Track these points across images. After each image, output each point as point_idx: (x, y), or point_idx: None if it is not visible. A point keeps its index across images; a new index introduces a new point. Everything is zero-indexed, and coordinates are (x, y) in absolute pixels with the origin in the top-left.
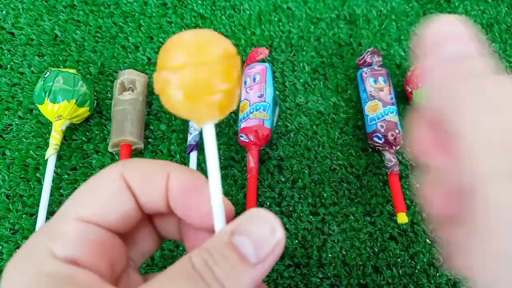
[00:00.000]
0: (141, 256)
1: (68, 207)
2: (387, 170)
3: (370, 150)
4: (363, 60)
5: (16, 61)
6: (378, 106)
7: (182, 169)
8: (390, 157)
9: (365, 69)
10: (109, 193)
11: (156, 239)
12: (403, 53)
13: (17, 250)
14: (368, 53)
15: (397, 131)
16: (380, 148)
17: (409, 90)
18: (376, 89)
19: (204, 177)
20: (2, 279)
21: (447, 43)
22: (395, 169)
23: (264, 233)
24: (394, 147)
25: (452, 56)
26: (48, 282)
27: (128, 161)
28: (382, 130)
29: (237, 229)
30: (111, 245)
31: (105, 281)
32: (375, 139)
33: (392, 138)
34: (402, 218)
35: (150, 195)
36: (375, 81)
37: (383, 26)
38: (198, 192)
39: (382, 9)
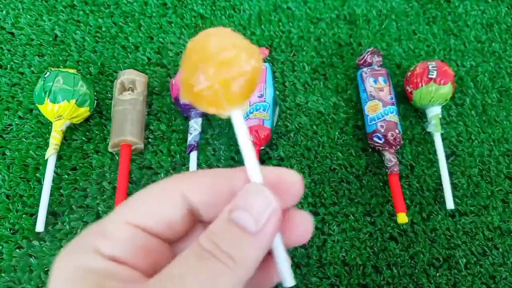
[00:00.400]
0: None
1: (120, 210)
2: (387, 170)
3: (370, 150)
4: (363, 60)
5: (16, 61)
6: (378, 106)
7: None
8: (390, 157)
9: (365, 69)
10: (163, 205)
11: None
12: (403, 53)
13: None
14: (368, 53)
15: (397, 131)
16: (380, 148)
17: (409, 90)
18: (376, 89)
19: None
20: (50, 274)
21: None
22: (395, 169)
23: (259, 204)
24: (394, 147)
25: None
26: (93, 277)
27: (190, 175)
28: (382, 130)
29: (234, 206)
30: (156, 250)
31: (146, 277)
32: (375, 139)
33: (392, 138)
34: (402, 218)
35: (214, 202)
36: (375, 81)
37: (383, 26)
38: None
39: (382, 9)
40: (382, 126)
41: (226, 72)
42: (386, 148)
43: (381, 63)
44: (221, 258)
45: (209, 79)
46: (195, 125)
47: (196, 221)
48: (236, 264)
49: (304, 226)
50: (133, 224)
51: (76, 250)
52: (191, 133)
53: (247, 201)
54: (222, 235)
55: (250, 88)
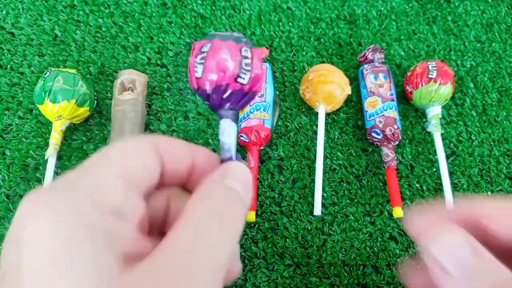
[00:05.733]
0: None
1: (112, 160)
2: (384, 165)
3: (370, 150)
4: (364, 57)
5: (16, 61)
6: (377, 102)
7: (206, 151)
8: (387, 152)
9: (366, 66)
10: (146, 159)
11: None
12: (403, 53)
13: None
14: (369, 50)
15: (395, 126)
16: (378, 143)
17: (409, 90)
18: (376, 86)
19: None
20: (22, 219)
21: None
22: (392, 164)
23: (245, 177)
24: (392, 142)
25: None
26: (92, 233)
27: (161, 136)
28: (381, 126)
29: (227, 174)
30: (144, 208)
31: (147, 235)
32: (373, 134)
33: (390, 133)
34: (398, 212)
35: (177, 168)
36: (375, 78)
37: (383, 26)
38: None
39: (382, 9)
40: (380, 122)
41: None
42: (385, 143)
43: (382, 60)
44: (238, 207)
45: None
46: (229, 129)
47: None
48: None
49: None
50: (126, 177)
51: (73, 202)
52: (224, 143)
53: (238, 173)
54: (224, 198)
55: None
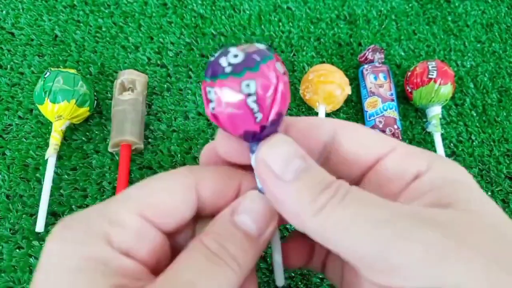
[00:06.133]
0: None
1: (132, 197)
2: None
3: None
4: (364, 57)
5: (16, 61)
6: (377, 102)
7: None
8: None
9: (366, 66)
10: (177, 201)
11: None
12: (403, 53)
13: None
14: (369, 50)
15: (395, 126)
16: None
17: (409, 90)
18: (376, 86)
19: None
20: (45, 259)
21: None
22: None
23: (261, 210)
24: None
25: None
26: (103, 271)
27: (203, 169)
28: (381, 126)
29: (237, 208)
30: (161, 244)
31: (150, 273)
32: None
33: (390, 133)
34: None
35: (219, 204)
36: (375, 78)
37: (383, 26)
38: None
39: (382, 9)
40: (380, 122)
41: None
42: None
43: (382, 60)
44: (229, 262)
45: None
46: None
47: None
48: (240, 267)
49: None
50: (145, 217)
51: (83, 237)
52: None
53: (250, 205)
54: (227, 238)
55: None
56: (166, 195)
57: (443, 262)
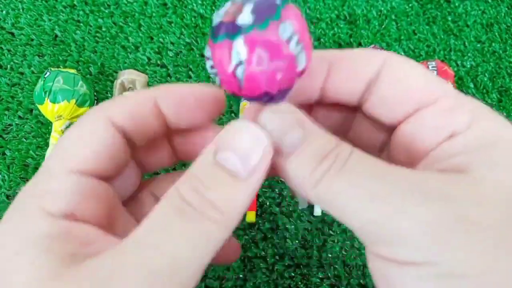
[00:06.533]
0: (125, 193)
1: (54, 160)
2: None
3: None
4: None
5: (16, 61)
6: None
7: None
8: None
9: None
10: (97, 138)
11: (138, 173)
12: (403, 53)
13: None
14: None
15: None
16: None
17: None
18: None
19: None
20: None
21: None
22: None
23: (248, 144)
24: None
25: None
26: (43, 244)
27: (114, 101)
28: None
29: (220, 146)
30: (104, 193)
31: (105, 232)
32: None
33: None
34: None
35: (143, 134)
36: None
37: (383, 26)
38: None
39: (382, 9)
40: None
41: None
42: None
43: None
44: (208, 212)
45: None
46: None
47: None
48: (224, 216)
49: None
50: (73, 170)
51: (19, 215)
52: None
53: (233, 139)
54: (207, 182)
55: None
56: (81, 139)
57: (439, 240)
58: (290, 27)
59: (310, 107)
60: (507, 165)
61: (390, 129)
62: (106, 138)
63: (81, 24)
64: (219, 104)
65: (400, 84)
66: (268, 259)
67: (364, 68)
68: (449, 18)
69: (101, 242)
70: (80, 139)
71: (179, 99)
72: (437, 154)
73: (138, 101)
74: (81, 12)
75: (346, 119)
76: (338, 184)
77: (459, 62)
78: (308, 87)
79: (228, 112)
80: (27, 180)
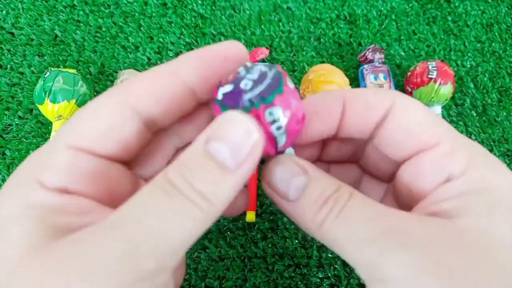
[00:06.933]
0: (153, 172)
1: (60, 135)
2: None
3: None
4: (364, 57)
5: (16, 61)
6: None
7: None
8: None
9: (366, 66)
10: (109, 121)
11: (169, 153)
12: (403, 53)
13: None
14: (369, 50)
15: None
16: None
17: (409, 90)
18: (376, 86)
19: None
20: None
21: None
22: None
23: (239, 136)
24: None
25: None
26: (36, 214)
27: (135, 82)
28: None
29: (211, 135)
30: (107, 173)
31: (102, 205)
32: None
33: None
34: None
35: (170, 116)
36: (376, 78)
37: (383, 26)
38: None
39: (382, 9)
40: None
41: None
42: None
43: (383, 60)
44: (193, 198)
45: None
46: None
47: (154, 133)
48: (211, 204)
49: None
50: (76, 147)
51: (15, 185)
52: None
53: (226, 131)
54: (195, 170)
55: None
56: (94, 119)
57: (419, 284)
58: (277, 112)
59: (325, 140)
60: (494, 214)
61: (398, 162)
62: (120, 124)
63: (81, 24)
64: (243, 57)
65: (404, 127)
66: (268, 259)
67: (374, 111)
68: (449, 18)
69: (97, 213)
70: (87, 119)
71: (203, 66)
72: (432, 197)
73: (160, 82)
74: (81, 12)
75: (358, 149)
76: (336, 229)
77: (459, 62)
78: (325, 127)
79: None
80: None
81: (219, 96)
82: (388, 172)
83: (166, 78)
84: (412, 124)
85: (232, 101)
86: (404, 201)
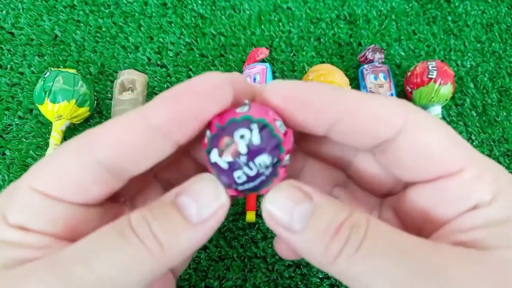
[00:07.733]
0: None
1: (27, 173)
2: None
3: None
4: (364, 57)
5: (16, 61)
6: None
7: None
8: None
9: (366, 65)
10: (64, 168)
11: (160, 190)
12: (403, 53)
13: None
14: (369, 50)
15: None
16: None
17: (409, 90)
18: (376, 86)
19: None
20: None
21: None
22: None
23: (208, 196)
24: None
25: None
26: None
27: (98, 132)
28: None
29: (183, 190)
30: (69, 213)
31: (62, 241)
32: None
33: None
34: None
35: (139, 161)
36: (375, 78)
37: (383, 26)
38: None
39: (382, 9)
40: None
41: None
42: None
43: (383, 60)
44: (146, 241)
45: None
46: None
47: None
48: (163, 251)
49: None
50: (36, 189)
51: None
52: None
53: (197, 188)
54: (159, 216)
55: None
56: (53, 163)
57: None
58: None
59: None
60: None
61: (402, 182)
62: (73, 170)
63: (81, 24)
64: (220, 90)
65: (422, 149)
66: (268, 259)
67: (383, 127)
68: (449, 18)
69: (53, 248)
70: (47, 164)
71: (174, 108)
72: (457, 224)
73: (123, 128)
74: (81, 12)
75: (349, 155)
76: (358, 266)
77: (459, 62)
78: (314, 122)
79: None
80: None
81: (212, 158)
82: (386, 188)
83: (130, 124)
84: (431, 146)
85: (222, 177)
86: (415, 223)
